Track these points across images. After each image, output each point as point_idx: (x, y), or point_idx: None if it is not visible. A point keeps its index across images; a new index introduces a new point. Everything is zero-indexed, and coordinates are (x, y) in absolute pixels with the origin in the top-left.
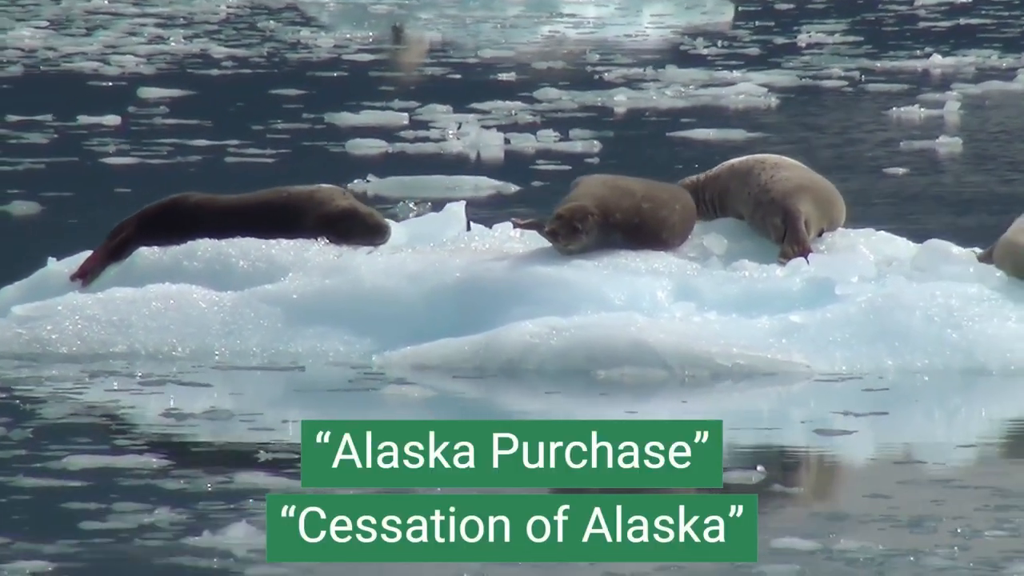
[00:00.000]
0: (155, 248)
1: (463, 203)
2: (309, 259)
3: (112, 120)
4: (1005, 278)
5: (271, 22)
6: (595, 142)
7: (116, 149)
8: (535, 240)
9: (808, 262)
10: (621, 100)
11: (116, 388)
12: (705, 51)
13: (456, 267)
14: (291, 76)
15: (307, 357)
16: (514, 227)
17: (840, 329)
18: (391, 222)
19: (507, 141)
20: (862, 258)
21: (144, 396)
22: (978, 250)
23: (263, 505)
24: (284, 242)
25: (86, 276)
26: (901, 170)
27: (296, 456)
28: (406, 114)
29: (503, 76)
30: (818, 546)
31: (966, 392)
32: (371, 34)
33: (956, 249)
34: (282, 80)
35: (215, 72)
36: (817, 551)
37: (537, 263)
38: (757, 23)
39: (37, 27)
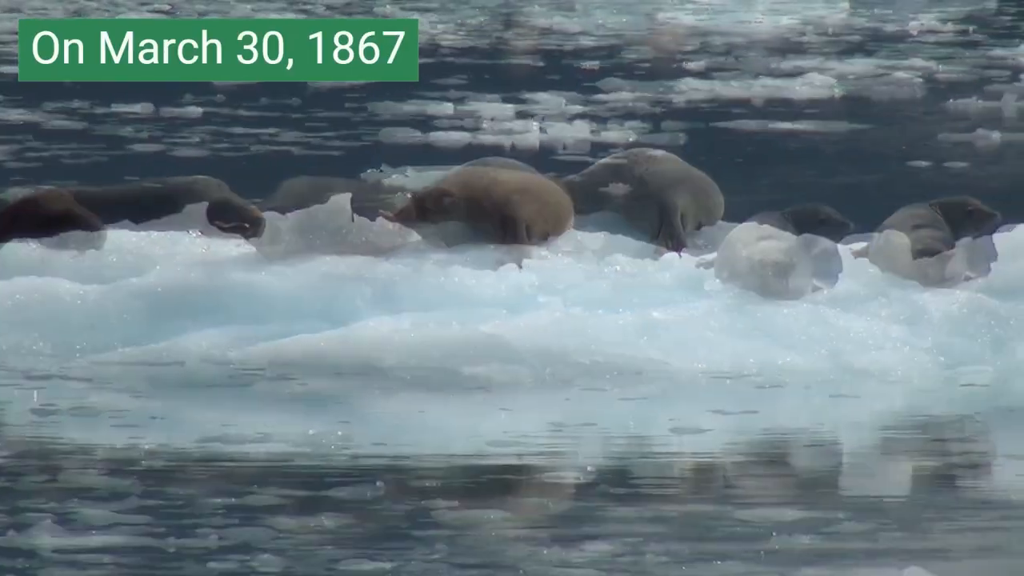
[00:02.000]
0: (27, 241)
1: (348, 195)
2: (178, 252)
3: (146, 108)
4: (878, 273)
5: (387, 7)
6: (631, 133)
7: (148, 136)
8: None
9: (681, 256)
10: (682, 90)
11: None
12: (809, 39)
13: (323, 261)
14: None
15: (168, 351)
16: (388, 219)
17: (703, 325)
18: (273, 214)
19: (543, 131)
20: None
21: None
22: (858, 245)
23: (82, 504)
24: (155, 234)
25: None
26: (924, 163)
27: (137, 455)
28: (451, 104)
29: (586, 64)
30: (626, 548)
31: (825, 392)
32: (482, 20)
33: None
34: None
35: None
36: (624, 553)
37: (404, 257)
38: (876, 10)
39: (153, 10)
